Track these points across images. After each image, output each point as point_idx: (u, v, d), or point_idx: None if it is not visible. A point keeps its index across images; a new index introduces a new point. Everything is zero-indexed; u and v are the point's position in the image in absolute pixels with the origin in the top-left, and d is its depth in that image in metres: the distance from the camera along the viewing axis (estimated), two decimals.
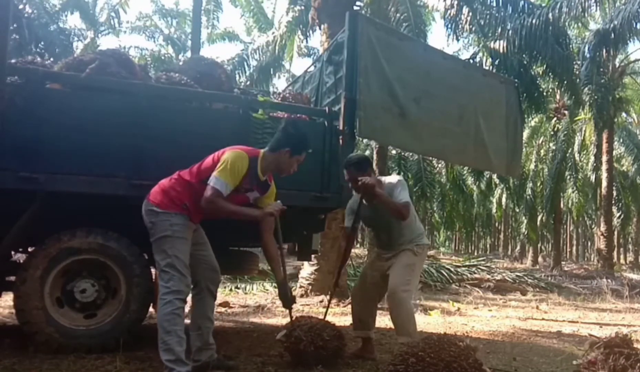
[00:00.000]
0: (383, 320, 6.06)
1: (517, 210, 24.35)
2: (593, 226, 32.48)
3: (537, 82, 10.99)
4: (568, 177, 19.24)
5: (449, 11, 9.78)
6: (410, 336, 3.45)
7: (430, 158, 15.48)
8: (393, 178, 3.75)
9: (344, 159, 3.74)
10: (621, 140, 20.14)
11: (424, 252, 3.78)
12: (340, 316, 6.36)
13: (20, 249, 3.95)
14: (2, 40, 3.28)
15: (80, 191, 3.39)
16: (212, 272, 3.17)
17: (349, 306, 7.13)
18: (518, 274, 12.53)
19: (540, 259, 25.42)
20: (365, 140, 14.53)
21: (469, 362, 2.50)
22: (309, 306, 6.96)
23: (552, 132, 19.85)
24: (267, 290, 8.65)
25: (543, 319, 7.06)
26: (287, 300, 3.28)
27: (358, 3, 8.82)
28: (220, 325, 5.35)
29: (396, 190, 3.59)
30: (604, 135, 17.54)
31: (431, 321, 6.26)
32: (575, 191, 19.97)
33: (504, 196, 24.33)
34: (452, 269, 11.60)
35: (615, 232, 23.95)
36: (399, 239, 3.70)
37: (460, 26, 9.82)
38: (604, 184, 17.78)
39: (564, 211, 25.97)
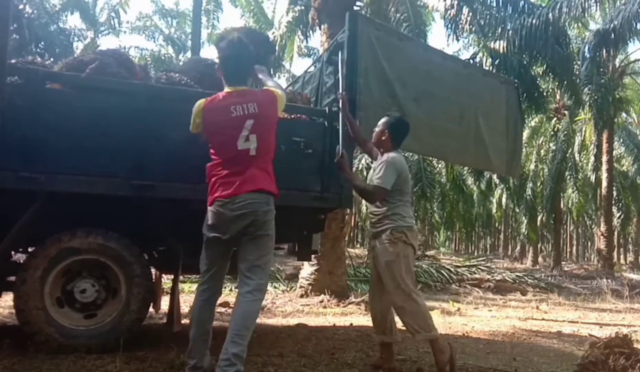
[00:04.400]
0: None
1: (517, 210, 24.34)
2: (593, 226, 32.48)
3: (537, 82, 10.98)
4: (568, 177, 19.24)
5: (449, 11, 9.80)
6: (424, 331, 3.31)
7: (430, 158, 15.48)
8: (386, 156, 3.51)
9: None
10: (621, 140, 20.13)
11: (403, 236, 3.38)
12: (340, 316, 6.37)
13: (20, 249, 3.95)
14: (2, 40, 3.27)
15: (80, 191, 3.39)
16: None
17: (349, 306, 7.22)
18: (518, 274, 12.54)
19: (540, 259, 25.42)
20: None
21: None
22: (309, 306, 6.96)
23: (552, 132, 19.87)
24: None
25: (543, 319, 7.05)
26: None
27: (358, 3, 8.83)
28: (220, 325, 5.34)
29: (377, 170, 3.46)
30: (604, 136, 17.56)
31: None
32: (575, 191, 19.98)
33: (504, 196, 24.36)
34: (452, 269, 11.61)
35: (615, 232, 23.94)
36: (378, 221, 3.48)
37: (460, 26, 9.84)
38: (604, 184, 17.79)
39: (564, 211, 25.96)
